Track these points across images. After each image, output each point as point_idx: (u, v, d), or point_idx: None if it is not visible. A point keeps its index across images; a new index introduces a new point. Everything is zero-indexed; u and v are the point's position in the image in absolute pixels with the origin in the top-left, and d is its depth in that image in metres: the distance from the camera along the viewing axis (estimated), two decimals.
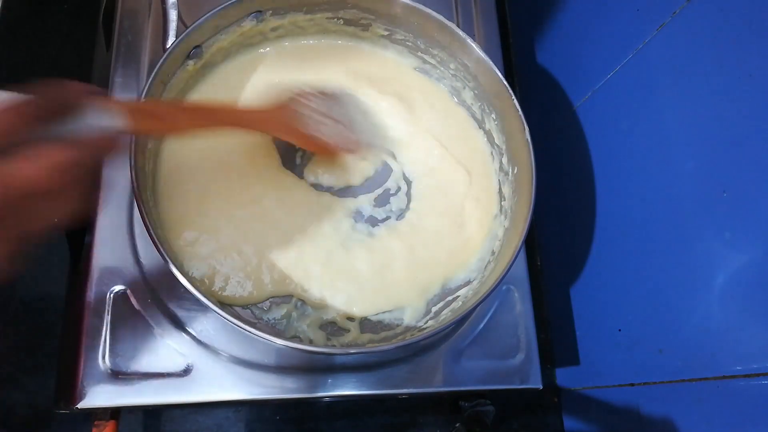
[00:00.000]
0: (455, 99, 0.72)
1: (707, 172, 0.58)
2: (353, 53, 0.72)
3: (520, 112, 0.61)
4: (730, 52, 0.55)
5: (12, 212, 0.32)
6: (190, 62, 0.61)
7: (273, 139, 0.66)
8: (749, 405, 0.54)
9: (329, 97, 0.64)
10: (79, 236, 0.63)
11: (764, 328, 0.52)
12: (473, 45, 0.64)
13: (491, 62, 0.63)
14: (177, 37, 0.59)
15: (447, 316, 0.61)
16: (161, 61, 0.56)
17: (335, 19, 0.68)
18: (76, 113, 0.38)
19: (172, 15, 0.65)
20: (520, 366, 0.64)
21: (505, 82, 0.63)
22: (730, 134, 0.56)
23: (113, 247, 0.60)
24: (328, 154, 0.65)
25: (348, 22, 0.69)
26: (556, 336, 0.86)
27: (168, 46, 0.59)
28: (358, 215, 0.65)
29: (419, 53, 0.70)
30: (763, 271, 0.52)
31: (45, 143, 0.35)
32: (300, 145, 0.65)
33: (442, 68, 0.70)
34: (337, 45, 0.71)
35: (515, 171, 0.64)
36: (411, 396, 0.63)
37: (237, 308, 0.60)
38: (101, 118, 0.39)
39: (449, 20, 0.64)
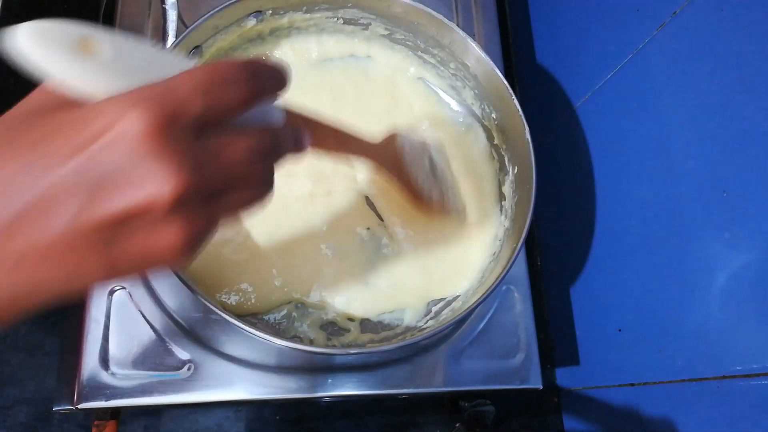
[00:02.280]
0: (455, 98, 0.72)
1: (707, 172, 0.58)
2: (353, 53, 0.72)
3: (521, 112, 0.61)
4: (730, 52, 0.55)
5: (205, 197, 0.27)
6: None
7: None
8: (749, 405, 0.54)
9: (429, 148, 0.61)
10: None
11: (764, 328, 0.52)
12: (473, 44, 0.64)
13: (491, 62, 0.63)
14: (177, 37, 0.59)
15: (447, 316, 0.61)
16: None
17: (335, 19, 0.68)
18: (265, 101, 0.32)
19: (172, 15, 0.65)
20: (520, 366, 0.64)
21: (505, 82, 0.63)
22: (730, 134, 0.56)
23: None
24: (418, 206, 0.61)
25: (348, 22, 0.69)
26: (556, 336, 0.86)
27: (168, 47, 0.59)
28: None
29: (419, 53, 0.70)
30: (763, 272, 0.52)
31: (241, 127, 0.29)
32: (396, 187, 0.59)
33: (442, 68, 0.70)
34: (336, 44, 0.71)
35: (515, 171, 0.64)
36: (411, 396, 0.63)
37: None
38: (276, 114, 0.34)
39: (449, 20, 0.64)
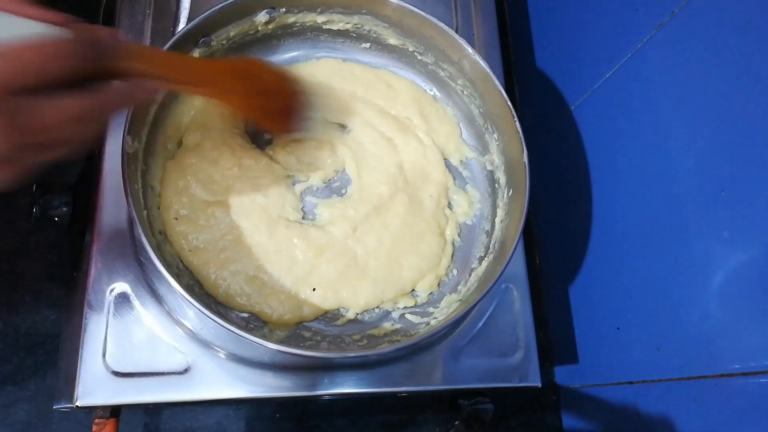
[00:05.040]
0: (458, 112, 0.71)
1: (706, 171, 0.58)
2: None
3: (521, 134, 0.60)
4: (729, 52, 0.56)
5: (25, 150, 0.35)
6: (197, 50, 0.61)
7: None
8: (747, 403, 0.54)
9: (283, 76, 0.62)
10: (79, 236, 0.64)
11: (762, 327, 0.52)
12: (483, 63, 0.63)
13: (498, 82, 0.62)
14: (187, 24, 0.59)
15: (445, 313, 0.61)
16: (170, 43, 0.56)
17: (346, 23, 0.68)
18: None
19: (185, 2, 0.65)
20: (519, 364, 0.64)
21: (510, 104, 0.62)
22: (729, 133, 0.56)
23: (113, 247, 0.60)
24: (264, 123, 0.63)
25: (359, 28, 0.68)
26: (554, 334, 0.86)
27: (178, 30, 0.59)
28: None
29: (429, 66, 0.69)
30: (762, 270, 0.52)
31: (68, 92, 0.36)
32: (238, 107, 0.60)
33: (450, 82, 0.69)
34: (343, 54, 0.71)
35: (510, 193, 0.64)
36: (410, 394, 0.63)
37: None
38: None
39: (448, 21, 0.63)
